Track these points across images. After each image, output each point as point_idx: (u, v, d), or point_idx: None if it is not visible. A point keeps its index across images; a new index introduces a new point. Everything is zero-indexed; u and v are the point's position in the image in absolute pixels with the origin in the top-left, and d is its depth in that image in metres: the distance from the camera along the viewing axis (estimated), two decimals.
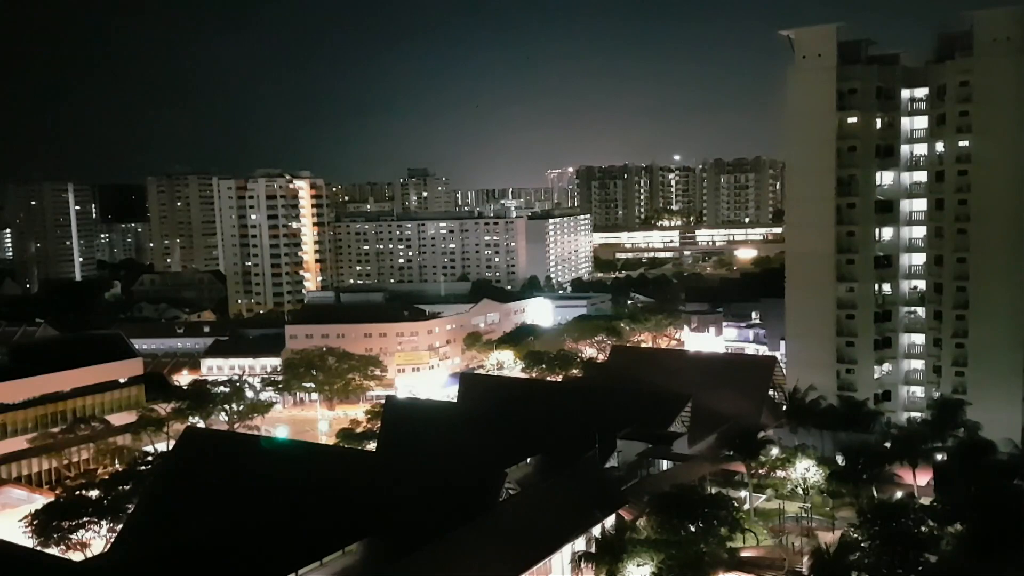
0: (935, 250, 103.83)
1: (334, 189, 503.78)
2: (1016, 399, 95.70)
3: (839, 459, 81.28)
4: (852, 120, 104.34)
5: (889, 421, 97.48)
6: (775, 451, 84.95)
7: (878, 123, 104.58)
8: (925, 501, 71.84)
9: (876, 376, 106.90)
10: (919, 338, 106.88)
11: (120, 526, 75.24)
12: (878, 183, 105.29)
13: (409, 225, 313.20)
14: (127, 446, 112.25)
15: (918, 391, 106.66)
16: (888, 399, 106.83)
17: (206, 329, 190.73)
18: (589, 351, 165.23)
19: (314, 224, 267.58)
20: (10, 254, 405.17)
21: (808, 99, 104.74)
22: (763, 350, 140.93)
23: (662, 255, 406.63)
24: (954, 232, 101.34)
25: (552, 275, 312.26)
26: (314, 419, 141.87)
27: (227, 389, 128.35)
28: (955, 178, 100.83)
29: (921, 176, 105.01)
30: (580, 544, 64.91)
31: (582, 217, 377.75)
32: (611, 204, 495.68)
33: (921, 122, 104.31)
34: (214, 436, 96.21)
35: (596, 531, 66.62)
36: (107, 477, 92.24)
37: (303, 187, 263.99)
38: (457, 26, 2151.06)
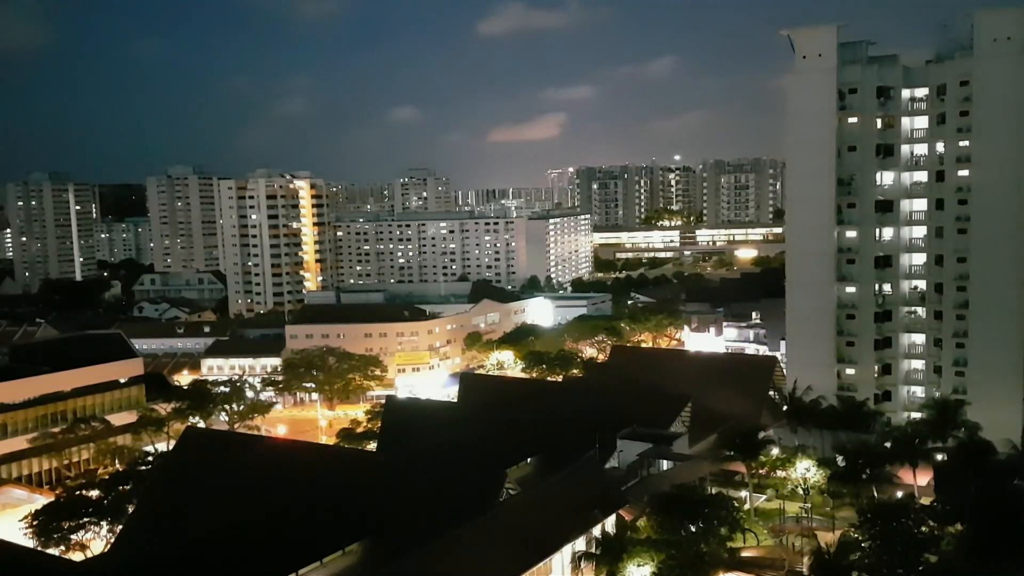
0: (935, 250, 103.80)
1: (334, 189, 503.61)
2: (1016, 399, 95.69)
3: (839, 459, 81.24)
4: (852, 120, 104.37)
5: (889, 421, 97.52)
6: (775, 451, 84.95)
7: (878, 123, 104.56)
8: (925, 501, 71.85)
9: (876, 376, 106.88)
10: (919, 338, 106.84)
11: (120, 526, 75.25)
12: (878, 183, 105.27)
13: (409, 225, 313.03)
14: (127, 446, 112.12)
15: (918, 391, 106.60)
16: (888, 399, 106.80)
17: (206, 329, 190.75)
18: (589, 351, 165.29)
19: (314, 224, 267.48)
20: (10, 254, 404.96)
21: (808, 99, 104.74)
22: (763, 350, 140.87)
23: (662, 255, 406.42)
24: (954, 232, 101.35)
25: (552, 275, 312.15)
26: (314, 419, 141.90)
27: (227, 389, 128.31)
28: (955, 178, 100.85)
29: (921, 176, 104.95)
30: (580, 544, 64.88)
31: (582, 217, 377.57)
32: (611, 204, 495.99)
33: (921, 122, 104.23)
34: (214, 436, 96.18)
35: (596, 531, 66.59)
36: (107, 477, 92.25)
37: (303, 187, 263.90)
38: (457, 26, 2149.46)
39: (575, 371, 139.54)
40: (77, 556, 73.68)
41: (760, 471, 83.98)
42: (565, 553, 64.00)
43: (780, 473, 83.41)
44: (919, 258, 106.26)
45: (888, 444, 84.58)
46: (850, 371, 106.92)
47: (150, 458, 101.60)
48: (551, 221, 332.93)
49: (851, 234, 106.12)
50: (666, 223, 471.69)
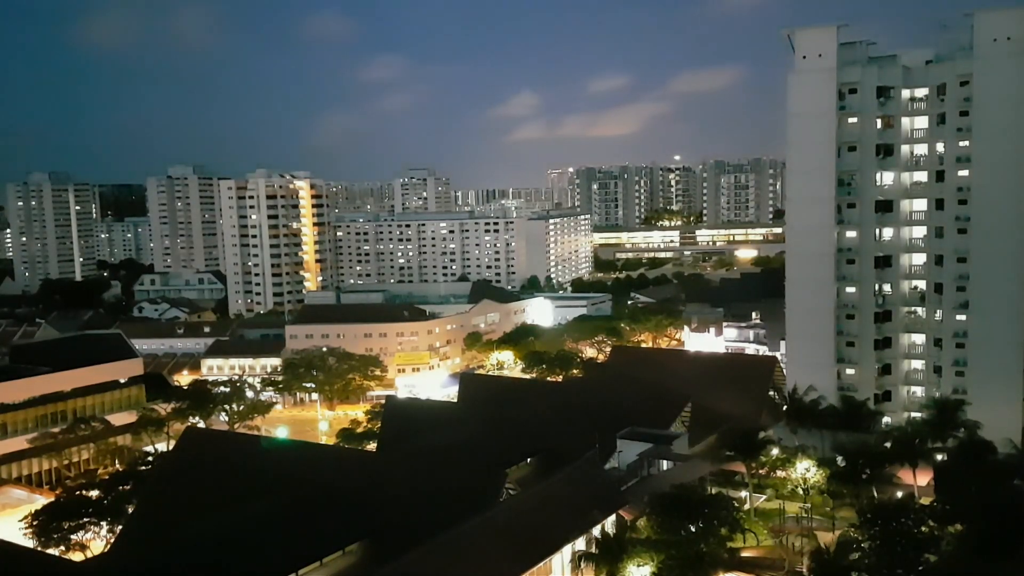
0: (935, 250, 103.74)
1: (334, 189, 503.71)
2: (1016, 399, 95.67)
3: (839, 459, 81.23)
4: (852, 120, 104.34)
5: (889, 421, 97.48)
6: (775, 451, 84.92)
7: (878, 123, 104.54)
8: (925, 501, 71.79)
9: (876, 376, 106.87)
10: (919, 338, 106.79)
11: (120, 526, 75.28)
12: (878, 183, 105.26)
13: (409, 225, 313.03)
14: (127, 446, 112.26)
15: (918, 391, 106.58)
16: (888, 399, 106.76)
17: (206, 329, 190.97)
18: (589, 351, 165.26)
19: (314, 224, 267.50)
20: (10, 254, 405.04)
21: (808, 99, 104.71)
22: (763, 350, 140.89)
23: (662, 255, 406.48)
24: (954, 232, 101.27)
25: (552, 275, 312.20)
26: (314, 419, 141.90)
27: (227, 389, 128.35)
28: (955, 178, 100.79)
29: (921, 176, 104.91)
30: (580, 544, 64.92)
31: (582, 217, 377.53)
32: (611, 204, 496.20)
33: (921, 122, 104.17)
34: (214, 436, 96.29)
35: (596, 531, 66.62)
36: (107, 477, 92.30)
37: (303, 187, 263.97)
38: (455, 26, 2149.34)
39: (575, 371, 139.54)
40: (77, 556, 73.67)
41: (760, 471, 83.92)
42: (565, 553, 64.05)
43: (780, 473, 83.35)
44: (919, 258, 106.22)
45: (888, 444, 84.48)
46: (850, 371, 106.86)
47: (150, 458, 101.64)
48: (551, 221, 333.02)
49: (851, 234, 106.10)
50: (666, 223, 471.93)
